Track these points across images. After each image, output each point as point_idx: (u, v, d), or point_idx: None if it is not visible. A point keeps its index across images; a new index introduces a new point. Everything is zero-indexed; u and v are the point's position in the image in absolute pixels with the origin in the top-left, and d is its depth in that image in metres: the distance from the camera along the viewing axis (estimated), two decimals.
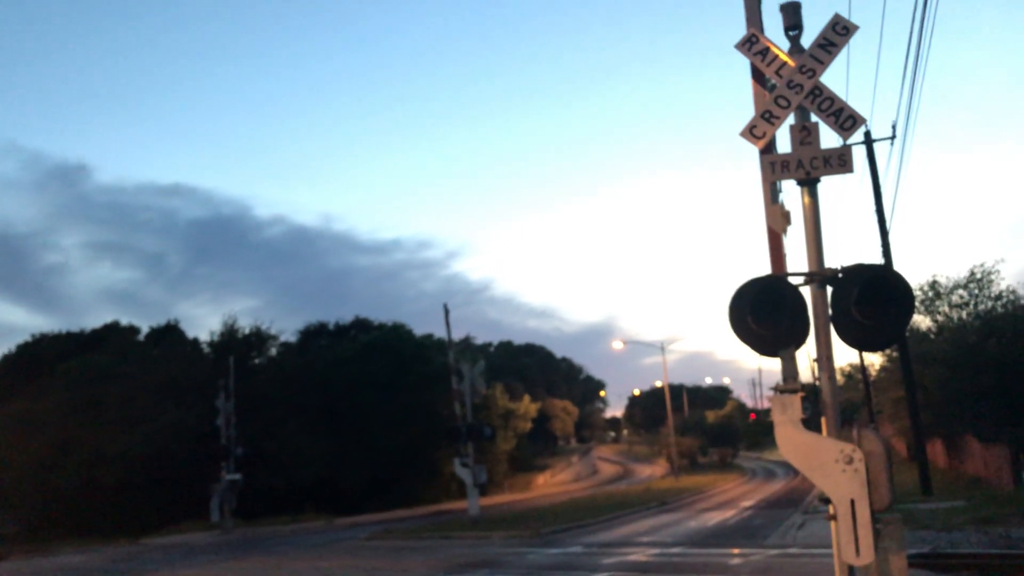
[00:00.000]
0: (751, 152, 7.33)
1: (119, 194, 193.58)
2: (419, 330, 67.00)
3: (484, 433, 36.82)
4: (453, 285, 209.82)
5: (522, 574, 18.46)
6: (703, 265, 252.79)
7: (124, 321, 67.01)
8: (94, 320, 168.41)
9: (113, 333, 60.76)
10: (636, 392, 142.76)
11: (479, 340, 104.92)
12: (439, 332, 52.76)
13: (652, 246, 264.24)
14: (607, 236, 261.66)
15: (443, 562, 21.51)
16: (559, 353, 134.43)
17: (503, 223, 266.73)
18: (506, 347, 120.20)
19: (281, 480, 46.98)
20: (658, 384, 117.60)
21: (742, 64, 7.64)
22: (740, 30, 7.63)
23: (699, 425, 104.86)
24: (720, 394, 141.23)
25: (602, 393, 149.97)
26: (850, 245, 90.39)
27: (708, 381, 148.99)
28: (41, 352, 57.59)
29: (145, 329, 63.12)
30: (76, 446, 45.84)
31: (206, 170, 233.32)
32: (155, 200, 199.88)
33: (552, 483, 79.50)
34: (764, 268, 7.29)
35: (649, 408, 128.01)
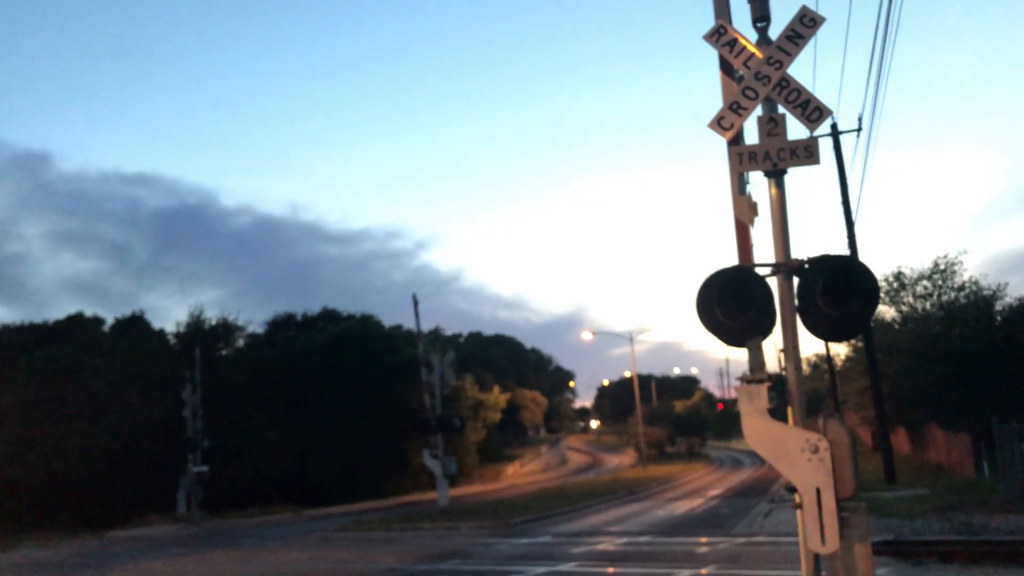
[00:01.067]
0: (719, 144, 7.36)
1: (82, 183, 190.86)
2: (388, 321, 66.81)
3: (454, 424, 36.81)
4: (422, 276, 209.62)
5: (492, 564, 18.49)
6: (671, 256, 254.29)
7: (88, 312, 66.11)
8: (57, 311, 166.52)
9: (77, 324, 59.92)
10: (605, 382, 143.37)
11: (449, 331, 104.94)
12: (408, 323, 52.64)
13: (621, 237, 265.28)
14: (577, 227, 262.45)
15: (412, 553, 21.50)
16: (528, 344, 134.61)
17: (473, 213, 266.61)
18: (476, 338, 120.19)
19: (249, 472, 46.70)
20: (627, 374, 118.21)
21: (711, 57, 7.66)
22: (709, 22, 7.65)
23: (667, 415, 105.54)
24: (688, 384, 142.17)
25: (571, 384, 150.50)
26: (817, 237, 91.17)
27: (676, 371, 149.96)
28: (2, 344, 56.63)
29: (110, 320, 62.38)
30: (39, 439, 45.21)
31: (171, 159, 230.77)
32: (119, 189, 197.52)
33: (521, 473, 79.68)
34: (731, 259, 7.32)
35: (618, 398, 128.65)
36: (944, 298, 37.01)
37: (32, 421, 46.00)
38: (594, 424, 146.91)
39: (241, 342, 59.86)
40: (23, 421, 46.16)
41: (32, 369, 49.00)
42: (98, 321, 62.01)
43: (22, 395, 47.19)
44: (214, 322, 57.62)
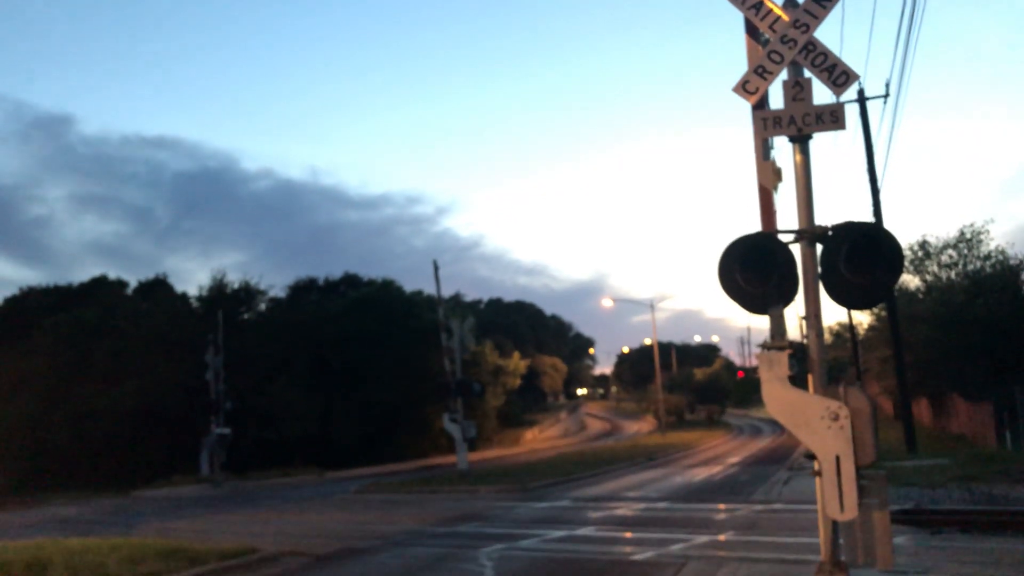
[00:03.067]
0: (743, 109, 7.29)
1: (104, 146, 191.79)
2: (409, 286, 67.04)
3: (473, 389, 36.95)
4: (443, 241, 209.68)
5: (510, 527, 18.64)
6: (693, 223, 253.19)
7: (112, 275, 66.71)
8: (81, 274, 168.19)
9: (101, 287, 60.45)
10: (625, 349, 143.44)
11: (469, 297, 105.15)
12: (429, 288, 52.89)
13: (643, 204, 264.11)
14: (598, 193, 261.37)
15: (432, 515, 21.70)
16: (549, 310, 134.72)
17: (494, 179, 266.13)
18: (496, 304, 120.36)
19: (271, 434, 47.22)
20: (647, 342, 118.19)
21: (735, 20, 7.56)
22: None
23: (687, 382, 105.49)
24: (708, 352, 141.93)
25: (591, 350, 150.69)
26: (841, 204, 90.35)
27: (697, 339, 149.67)
28: (28, 306, 57.32)
29: (133, 283, 62.87)
30: (65, 400, 45.87)
31: (192, 122, 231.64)
32: (141, 152, 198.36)
33: (540, 439, 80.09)
34: (754, 226, 7.26)
35: (638, 365, 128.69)
36: (969, 267, 36.66)
37: (58, 382, 46.64)
38: (613, 391, 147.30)
39: (263, 306, 60.22)
40: (49, 382, 46.81)
41: (57, 331, 49.57)
42: (122, 284, 62.54)
43: (48, 357, 47.82)
44: (236, 286, 57.95)
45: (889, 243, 6.76)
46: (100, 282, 61.63)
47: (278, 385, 50.34)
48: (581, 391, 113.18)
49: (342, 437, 52.84)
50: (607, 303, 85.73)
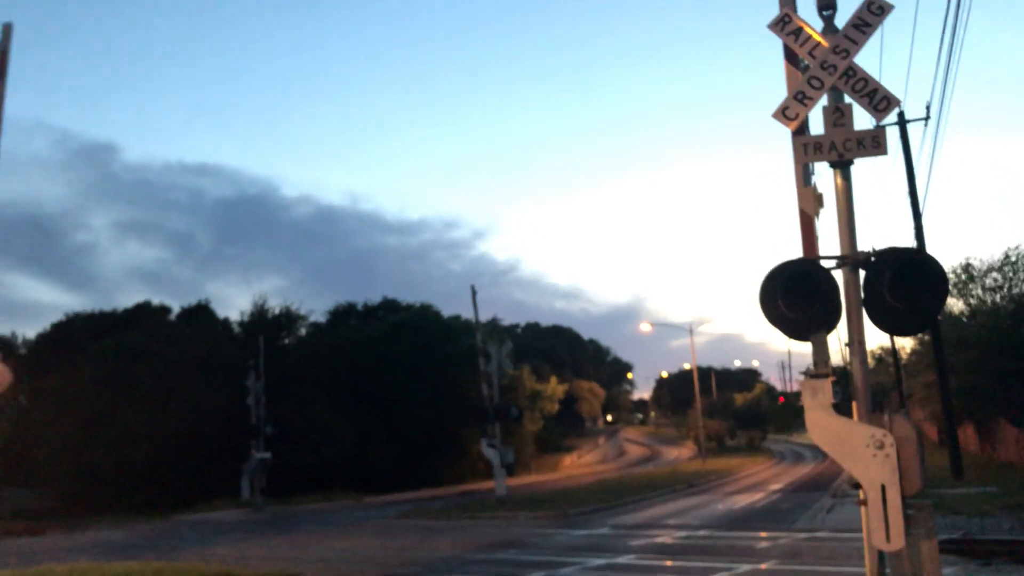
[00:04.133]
0: (784, 134, 7.26)
1: (146, 173, 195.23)
2: (446, 311, 67.22)
3: (511, 414, 36.93)
4: (480, 266, 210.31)
5: (550, 555, 18.54)
6: (732, 247, 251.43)
7: (155, 301, 67.69)
8: (124, 299, 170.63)
9: (145, 312, 61.38)
10: (664, 374, 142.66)
11: (506, 321, 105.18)
12: (466, 313, 52.85)
13: (681, 227, 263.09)
14: (635, 217, 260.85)
15: (471, 542, 21.66)
16: (586, 335, 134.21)
17: (530, 203, 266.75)
18: (533, 328, 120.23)
19: (310, 459, 47.41)
20: (686, 366, 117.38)
21: (774, 47, 7.56)
22: (773, 11, 7.53)
23: (727, 408, 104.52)
24: (749, 377, 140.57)
25: (629, 375, 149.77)
26: (883, 228, 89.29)
27: (737, 364, 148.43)
28: (74, 331, 58.31)
29: (176, 309, 63.75)
30: (108, 423, 46.48)
31: (232, 149, 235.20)
32: (182, 179, 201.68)
33: (579, 464, 79.67)
34: (796, 251, 7.22)
35: (676, 390, 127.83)
36: (1015, 291, 36.01)
37: (102, 406, 47.30)
38: (652, 416, 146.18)
39: (303, 331, 60.74)
40: (93, 406, 47.50)
41: (102, 356, 50.32)
42: (165, 309, 63.44)
43: (92, 381, 48.55)
44: (277, 311, 58.54)
45: (933, 269, 6.68)
46: (144, 308, 62.59)
47: (317, 409, 50.64)
48: (608, 418, 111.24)
49: (380, 462, 52.97)
50: (645, 327, 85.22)
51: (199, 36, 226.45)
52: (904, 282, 6.53)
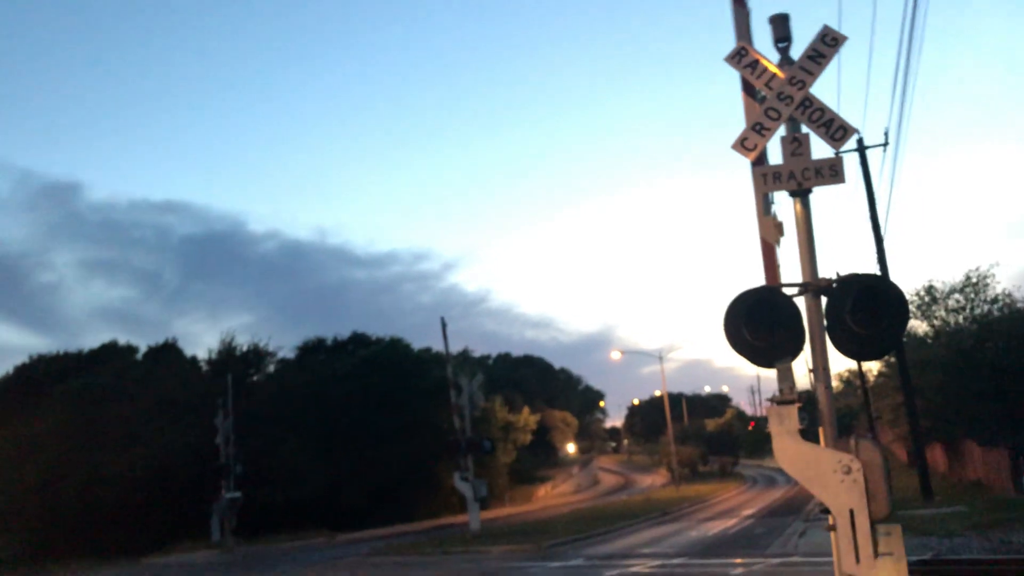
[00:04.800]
0: (745, 162, 7.37)
1: (111, 211, 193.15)
2: (417, 343, 66.97)
3: (484, 447, 36.81)
4: (450, 297, 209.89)
5: None
6: (700, 273, 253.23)
7: (121, 340, 66.86)
8: (90, 339, 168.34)
9: (111, 352, 60.60)
10: (635, 401, 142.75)
11: (477, 352, 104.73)
12: (437, 345, 52.59)
13: (649, 255, 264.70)
14: (604, 245, 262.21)
15: None
16: (557, 363, 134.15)
17: (500, 234, 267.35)
18: (504, 359, 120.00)
19: (281, 497, 46.84)
20: (657, 393, 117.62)
21: (735, 75, 7.68)
22: (732, 42, 7.67)
23: (699, 434, 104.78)
24: (719, 402, 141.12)
25: (601, 403, 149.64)
26: (846, 253, 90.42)
27: (707, 389, 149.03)
28: (39, 373, 57.38)
29: (143, 348, 62.98)
30: (75, 466, 45.66)
31: (198, 186, 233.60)
32: (148, 217, 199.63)
33: (553, 495, 79.33)
34: (760, 277, 7.31)
35: (649, 417, 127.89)
36: (977, 311, 36.52)
37: (68, 448, 46.47)
38: (625, 444, 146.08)
39: (272, 367, 60.23)
40: (59, 449, 46.65)
41: (67, 397, 49.56)
42: (131, 349, 62.68)
43: (58, 423, 47.73)
44: (245, 348, 58.09)
45: (893, 294, 6.79)
46: (110, 348, 61.79)
47: (288, 447, 50.13)
48: (571, 449, 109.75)
49: (352, 498, 52.44)
50: (616, 355, 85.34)
51: (164, 73, 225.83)
52: (865, 308, 6.63)
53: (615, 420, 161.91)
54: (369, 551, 32.02)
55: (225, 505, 39.73)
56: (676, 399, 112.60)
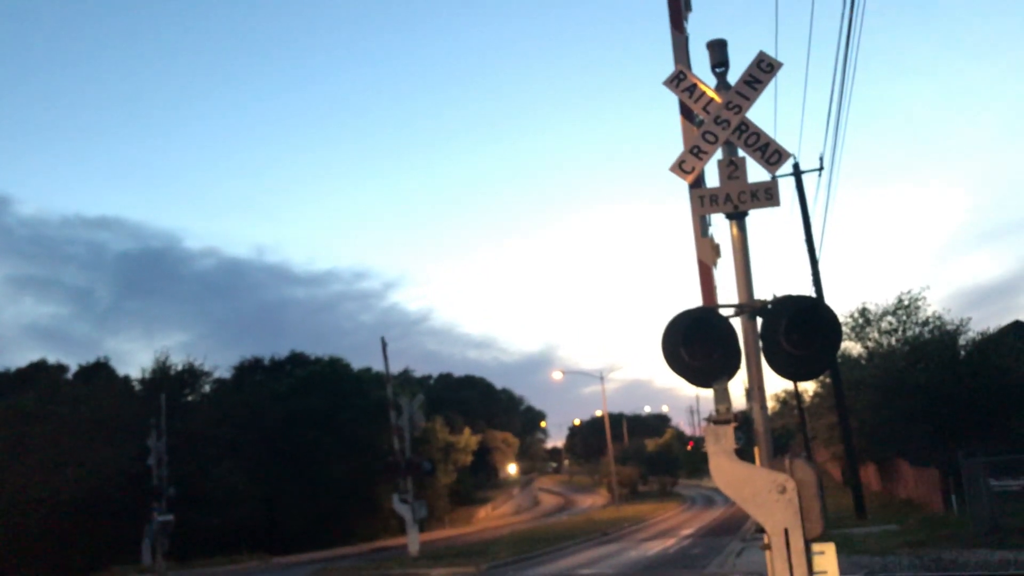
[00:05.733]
0: (682, 185, 7.45)
1: (42, 227, 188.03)
2: (357, 363, 66.35)
3: (424, 468, 36.54)
4: (391, 317, 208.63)
5: None
6: (640, 294, 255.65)
7: (51, 359, 65.25)
8: (19, 358, 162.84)
9: (40, 372, 59.02)
10: (576, 422, 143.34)
11: (418, 372, 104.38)
12: (378, 365, 52.31)
13: (591, 276, 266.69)
14: (546, 266, 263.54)
15: None
16: (499, 384, 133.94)
17: (441, 253, 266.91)
18: (446, 379, 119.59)
19: (216, 520, 45.88)
20: (598, 413, 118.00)
21: (673, 100, 7.77)
22: (670, 66, 7.76)
23: (639, 454, 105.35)
24: (659, 422, 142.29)
25: (543, 424, 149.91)
26: (782, 275, 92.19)
27: (647, 409, 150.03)
28: None
29: (74, 367, 61.54)
30: (0, 489, 44.18)
31: (134, 202, 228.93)
32: (81, 233, 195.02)
33: (494, 516, 79.00)
34: (698, 298, 7.37)
35: (589, 437, 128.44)
36: (909, 333, 37.36)
37: None
38: (566, 464, 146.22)
39: (208, 387, 59.13)
40: None
41: None
42: (61, 368, 61.16)
43: None
44: (180, 367, 56.93)
45: (826, 316, 6.90)
46: (39, 367, 60.21)
47: (224, 468, 49.18)
48: (509, 470, 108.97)
49: (290, 520, 51.62)
50: (557, 375, 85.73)
51: (97, 85, 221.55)
52: (799, 329, 6.73)
53: (556, 440, 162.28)
54: (307, 574, 31.50)
55: (157, 528, 38.69)
56: (617, 419, 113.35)
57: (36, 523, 42.85)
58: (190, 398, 56.43)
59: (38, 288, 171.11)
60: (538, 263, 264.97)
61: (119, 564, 40.40)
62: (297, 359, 66.02)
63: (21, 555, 42.85)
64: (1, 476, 44.61)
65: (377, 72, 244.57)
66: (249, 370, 64.54)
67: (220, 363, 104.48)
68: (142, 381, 56.21)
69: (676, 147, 7.58)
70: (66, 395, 52.16)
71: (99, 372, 59.37)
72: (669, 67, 7.71)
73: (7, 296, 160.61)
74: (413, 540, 33.05)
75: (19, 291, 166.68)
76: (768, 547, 6.52)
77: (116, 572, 39.15)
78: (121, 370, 62.78)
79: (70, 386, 56.41)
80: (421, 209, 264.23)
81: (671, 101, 7.75)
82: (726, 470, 6.70)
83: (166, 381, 53.30)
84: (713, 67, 7.58)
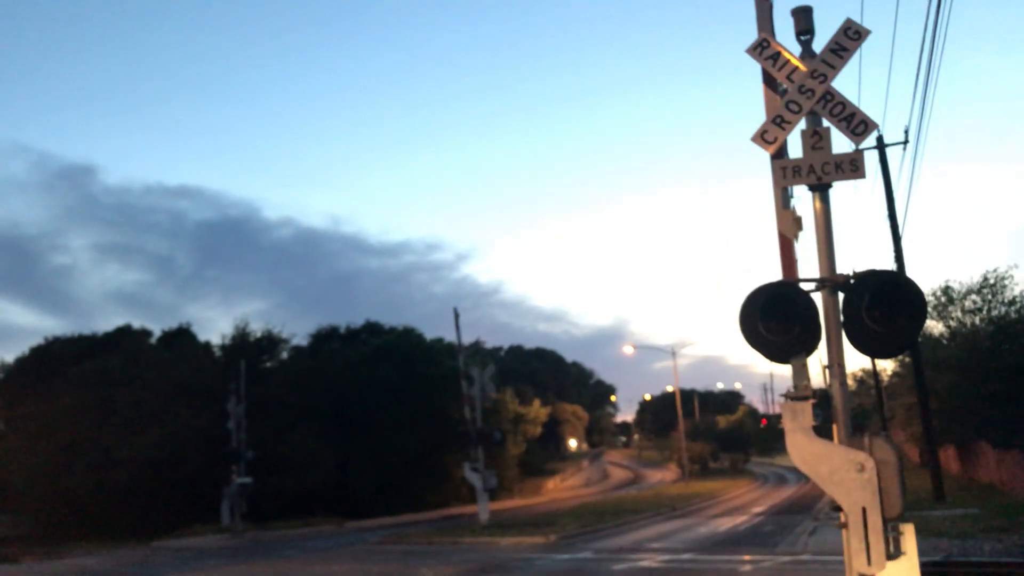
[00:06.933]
0: (764, 157, 7.30)
1: (126, 195, 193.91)
2: (429, 333, 66.93)
3: (494, 438, 36.81)
4: (462, 288, 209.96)
5: None
6: (715, 269, 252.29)
7: (136, 324, 67.27)
8: (104, 322, 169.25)
9: (125, 336, 60.89)
10: (647, 397, 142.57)
11: (489, 344, 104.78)
12: (449, 335, 52.59)
13: (664, 250, 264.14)
14: (619, 239, 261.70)
15: (453, 567, 21.49)
16: (569, 357, 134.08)
17: (513, 226, 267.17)
18: (516, 351, 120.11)
19: (291, 483, 47.05)
20: (669, 389, 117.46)
21: (754, 71, 7.61)
22: (752, 35, 7.60)
23: (710, 430, 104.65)
24: (732, 399, 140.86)
25: (613, 398, 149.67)
26: (863, 250, 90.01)
27: (719, 386, 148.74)
28: (53, 355, 57.74)
29: (157, 332, 63.28)
30: (87, 449, 45.99)
31: (213, 171, 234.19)
32: (162, 201, 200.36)
33: (562, 488, 79.38)
34: (776, 273, 7.24)
35: (660, 413, 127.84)
36: (994, 313, 36.25)
37: (81, 431, 46.80)
38: (635, 439, 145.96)
39: (285, 354, 60.37)
40: (72, 431, 46.98)
41: (82, 380, 49.86)
42: (145, 333, 62.97)
43: (71, 406, 48.04)
44: (259, 335, 58.22)
45: (911, 291, 6.71)
46: (124, 331, 62.09)
47: (299, 434, 50.31)
48: (573, 444, 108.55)
49: (362, 486, 52.61)
50: (628, 350, 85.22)
51: (179, 58, 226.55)
52: (883, 305, 6.56)
53: (626, 415, 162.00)
54: (377, 539, 32.13)
55: (235, 490, 39.91)
56: (688, 395, 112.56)
57: (122, 481, 44.56)
58: (268, 365, 57.71)
59: (122, 255, 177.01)
60: (610, 236, 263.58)
61: (199, 523, 41.72)
62: (372, 328, 66.90)
63: (107, 512, 44.62)
64: (89, 436, 46.43)
65: (455, 43, 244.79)
66: (326, 338, 65.63)
67: (297, 331, 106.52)
68: (222, 347, 57.66)
69: (757, 118, 7.43)
70: (150, 359, 53.85)
71: (181, 337, 61.04)
72: (752, 35, 7.55)
73: (94, 262, 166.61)
74: (483, 508, 33.39)
75: (105, 258, 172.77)
76: (845, 526, 6.42)
77: (196, 531, 40.46)
78: (202, 336, 64.40)
79: (154, 351, 58.18)
80: (494, 182, 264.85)
81: (751, 71, 7.59)
82: (803, 447, 6.60)
83: (245, 348, 54.58)
84: (798, 35, 7.38)
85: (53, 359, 56.34)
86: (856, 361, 79.30)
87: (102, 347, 57.32)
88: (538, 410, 77.48)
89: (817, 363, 6.92)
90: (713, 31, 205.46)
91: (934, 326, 38.55)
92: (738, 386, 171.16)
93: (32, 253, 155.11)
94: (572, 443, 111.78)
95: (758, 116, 7.49)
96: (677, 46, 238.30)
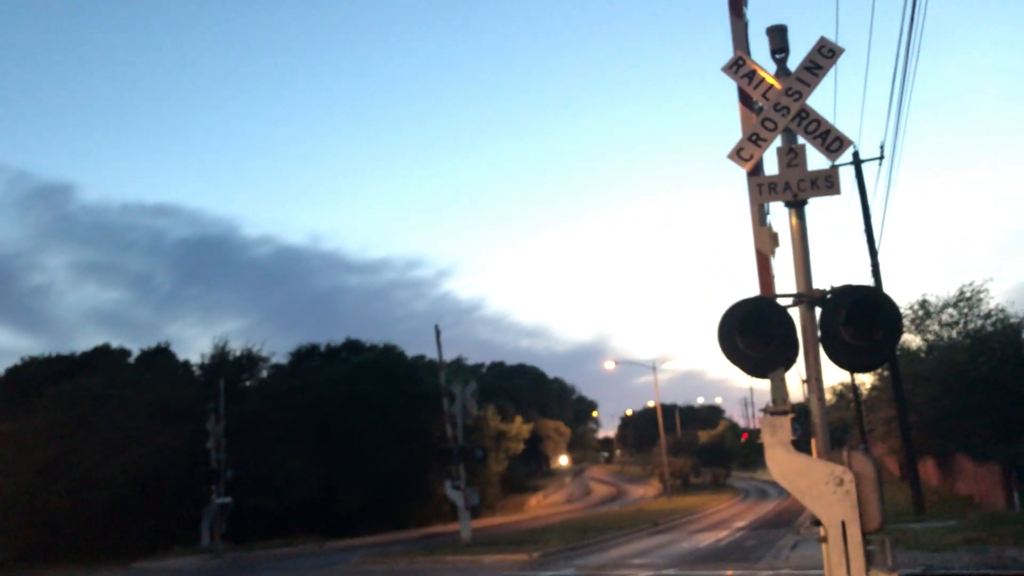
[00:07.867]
0: (740, 173, 7.38)
1: (104, 214, 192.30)
2: (410, 351, 66.77)
3: (476, 455, 36.70)
4: (443, 305, 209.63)
5: None
6: (695, 284, 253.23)
7: (114, 343, 66.85)
8: (82, 342, 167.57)
9: (103, 356, 60.41)
10: (628, 412, 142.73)
11: (471, 360, 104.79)
12: (430, 352, 52.72)
13: (644, 265, 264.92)
14: (599, 255, 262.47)
15: None
16: (551, 373, 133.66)
17: (494, 242, 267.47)
18: (498, 368, 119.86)
19: (272, 503, 46.69)
20: (650, 404, 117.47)
21: (731, 86, 7.69)
22: (728, 53, 7.68)
23: (691, 445, 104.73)
24: (712, 414, 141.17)
25: (594, 413, 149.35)
26: (840, 265, 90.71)
27: (700, 401, 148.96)
28: (30, 375, 57.20)
29: (136, 352, 62.80)
30: (65, 469, 45.47)
31: (192, 190, 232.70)
32: (141, 220, 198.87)
33: (545, 504, 79.16)
34: (755, 287, 7.31)
35: (641, 428, 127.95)
36: (970, 326, 36.58)
37: (59, 452, 46.27)
38: (617, 454, 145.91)
39: (265, 373, 60.07)
40: (50, 452, 46.43)
41: (59, 400, 49.37)
42: (124, 352, 62.51)
43: (49, 425, 47.52)
44: (238, 353, 57.91)
45: (887, 306, 6.79)
46: (102, 351, 61.62)
47: (280, 452, 49.97)
48: (555, 460, 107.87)
49: (344, 505, 52.29)
50: (609, 365, 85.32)
51: (158, 76, 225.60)
52: (859, 319, 6.63)
53: (608, 430, 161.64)
54: (359, 558, 31.91)
55: (215, 510, 39.55)
56: (669, 410, 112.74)
57: (101, 501, 44.06)
58: (248, 383, 57.39)
59: (101, 274, 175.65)
60: (591, 253, 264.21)
61: (179, 544, 41.30)
62: (352, 346, 66.66)
63: (86, 533, 44.08)
64: (67, 457, 45.93)
65: (432, 60, 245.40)
66: (306, 356, 65.32)
67: (277, 349, 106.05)
68: (201, 366, 57.29)
69: (734, 135, 7.51)
70: (128, 379, 53.41)
71: (160, 356, 60.61)
72: (728, 53, 7.64)
73: (71, 281, 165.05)
74: (465, 526, 33.26)
75: (83, 277, 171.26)
76: (824, 539, 6.46)
77: (176, 552, 40.05)
78: (181, 355, 64.04)
79: (132, 370, 57.71)
80: (475, 198, 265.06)
81: (730, 88, 7.69)
82: (782, 461, 6.65)
83: (225, 366, 54.26)
84: (773, 53, 7.49)
85: (30, 379, 55.78)
86: (835, 375, 79.81)
87: (80, 367, 56.82)
88: (520, 427, 77.30)
89: (796, 378, 7.00)
90: (692, 44, 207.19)
91: (912, 340, 38.84)
92: (719, 401, 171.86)
93: (8, 272, 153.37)
94: (563, 460, 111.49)
95: (736, 129, 7.57)
96: (656, 59, 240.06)
